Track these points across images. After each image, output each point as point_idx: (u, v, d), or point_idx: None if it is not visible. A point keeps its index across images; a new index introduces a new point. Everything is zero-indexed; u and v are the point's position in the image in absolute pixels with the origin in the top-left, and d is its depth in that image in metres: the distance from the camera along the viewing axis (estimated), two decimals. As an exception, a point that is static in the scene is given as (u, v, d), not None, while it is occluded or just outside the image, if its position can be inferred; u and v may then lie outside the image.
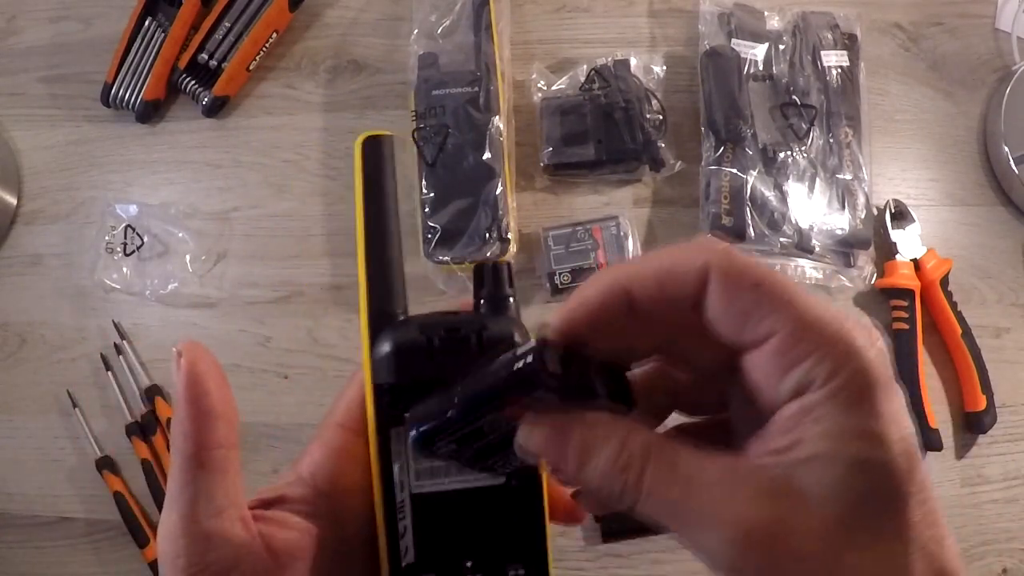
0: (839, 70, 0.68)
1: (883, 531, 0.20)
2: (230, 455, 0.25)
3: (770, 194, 0.65)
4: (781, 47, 0.70)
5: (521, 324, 0.27)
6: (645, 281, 0.22)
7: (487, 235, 0.63)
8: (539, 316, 0.67)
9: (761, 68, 0.69)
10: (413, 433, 0.25)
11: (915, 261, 0.66)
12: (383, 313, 0.27)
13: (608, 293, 0.22)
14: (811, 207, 0.66)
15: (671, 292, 0.22)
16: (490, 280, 0.28)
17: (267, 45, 0.73)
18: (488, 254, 0.64)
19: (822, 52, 0.69)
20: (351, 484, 0.27)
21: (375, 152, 0.27)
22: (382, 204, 0.27)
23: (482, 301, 0.28)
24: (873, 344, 0.21)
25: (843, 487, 0.20)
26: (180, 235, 0.71)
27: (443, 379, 0.25)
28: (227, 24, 0.73)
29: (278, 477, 0.28)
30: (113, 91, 0.73)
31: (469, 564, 0.26)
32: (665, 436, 0.22)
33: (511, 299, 0.28)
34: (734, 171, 0.64)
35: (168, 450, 0.65)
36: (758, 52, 0.69)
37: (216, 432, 0.24)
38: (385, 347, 0.26)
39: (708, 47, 0.69)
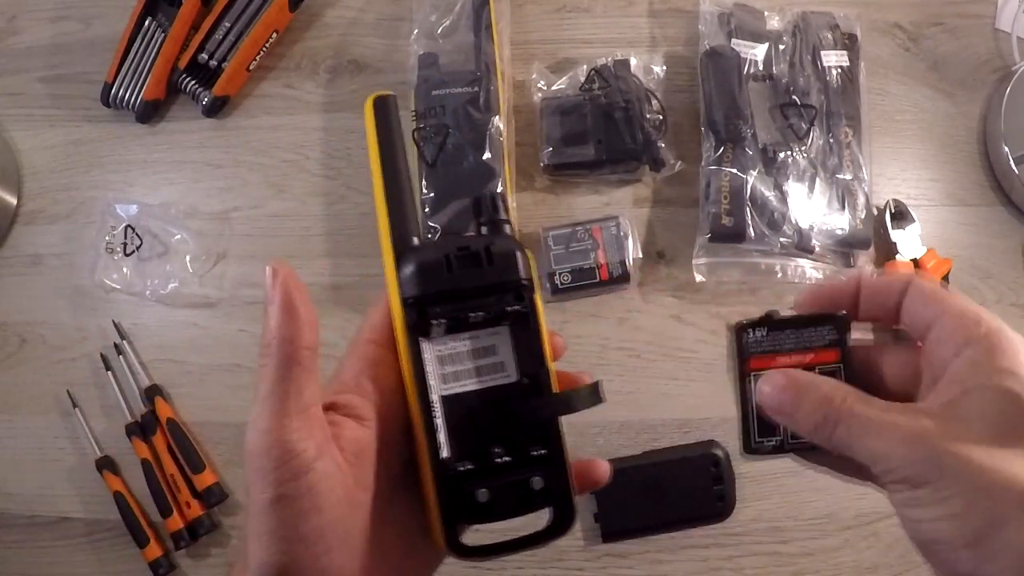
0: (839, 70, 0.68)
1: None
2: (315, 358, 0.28)
3: (770, 194, 0.65)
4: (781, 47, 0.70)
5: (519, 243, 0.32)
6: (871, 288, 0.32)
7: (487, 235, 0.63)
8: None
9: (761, 68, 0.69)
10: None
11: (915, 261, 0.66)
12: (403, 240, 0.31)
13: (842, 292, 0.33)
14: (811, 207, 0.66)
15: (883, 300, 0.32)
16: (488, 208, 0.33)
17: (267, 45, 0.73)
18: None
19: (822, 52, 0.69)
20: (387, 389, 0.31)
21: (383, 110, 0.32)
22: (393, 152, 0.31)
23: (482, 227, 0.33)
24: (997, 319, 0.29)
25: (992, 410, 0.26)
26: (180, 235, 0.71)
27: (460, 288, 0.30)
28: (227, 24, 0.73)
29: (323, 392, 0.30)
30: (113, 91, 0.73)
31: (497, 450, 0.30)
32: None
33: (507, 223, 0.33)
34: (734, 171, 0.64)
35: (168, 450, 0.66)
36: (758, 52, 0.69)
37: (307, 335, 0.28)
38: (409, 266, 0.30)
39: (708, 47, 0.69)
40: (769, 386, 0.30)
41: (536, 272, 0.32)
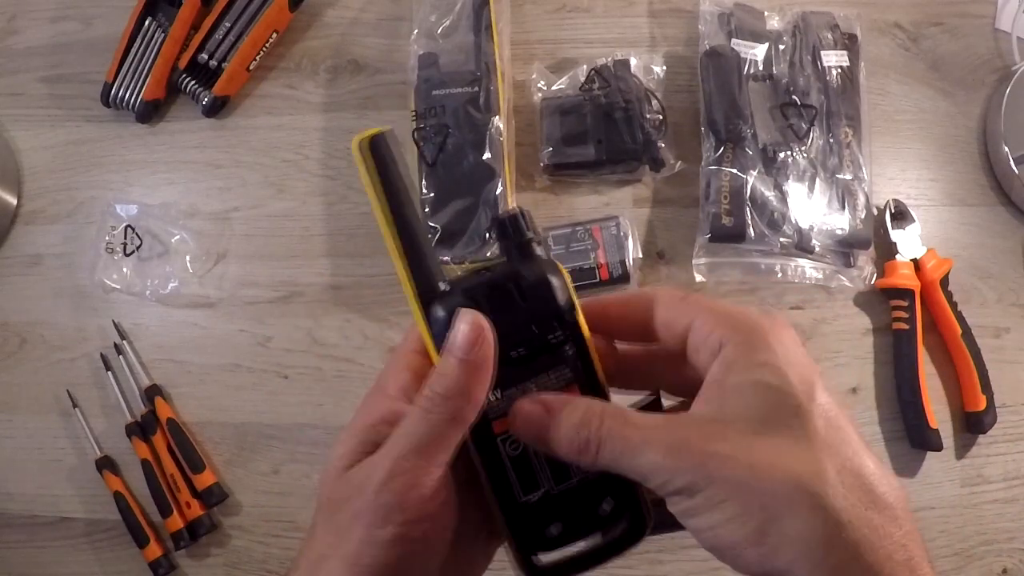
0: (839, 70, 0.68)
1: (789, 431, 0.26)
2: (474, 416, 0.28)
3: (770, 194, 0.65)
4: (781, 47, 0.70)
5: (551, 261, 0.30)
6: (615, 305, 0.31)
7: (487, 235, 0.63)
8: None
9: (761, 68, 0.69)
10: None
11: (915, 261, 0.66)
12: (429, 288, 0.29)
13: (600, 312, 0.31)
14: (811, 207, 0.66)
15: (635, 316, 0.31)
16: (512, 230, 0.30)
17: (267, 45, 0.73)
18: (488, 254, 0.64)
19: (822, 52, 0.68)
20: None
21: (378, 150, 0.29)
22: (397, 195, 0.29)
23: (511, 248, 0.31)
24: (763, 312, 0.28)
25: (752, 404, 0.26)
26: (180, 235, 0.71)
27: (498, 330, 0.28)
28: (227, 24, 0.73)
29: (362, 399, 0.31)
30: (113, 91, 0.73)
31: (563, 476, 0.30)
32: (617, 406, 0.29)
33: (535, 242, 0.31)
34: (734, 171, 0.64)
35: (168, 450, 0.66)
36: (758, 52, 0.69)
37: (479, 398, 0.28)
38: (441, 319, 0.29)
39: (708, 47, 0.69)
40: (521, 417, 0.29)
41: (574, 291, 0.30)
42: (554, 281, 0.30)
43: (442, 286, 0.29)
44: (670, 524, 0.29)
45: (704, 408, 0.27)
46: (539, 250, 0.31)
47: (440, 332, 0.29)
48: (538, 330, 0.29)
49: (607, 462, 0.27)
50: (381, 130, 0.29)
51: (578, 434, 0.28)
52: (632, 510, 0.30)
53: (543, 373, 0.30)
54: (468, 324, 0.27)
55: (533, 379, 0.30)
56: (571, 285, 0.30)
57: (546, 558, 0.30)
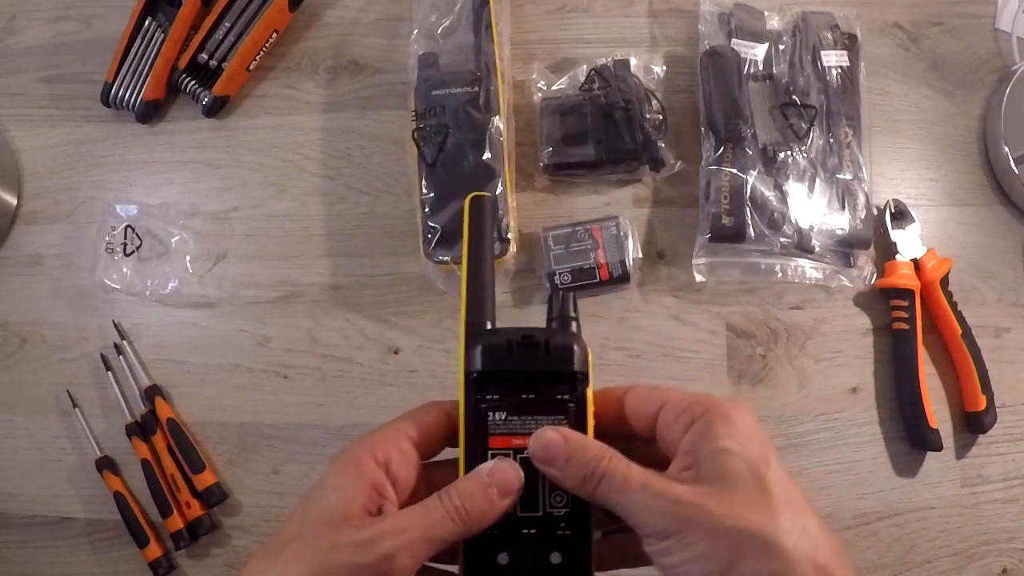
0: (839, 70, 0.68)
1: (750, 490, 0.31)
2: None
3: (770, 194, 0.65)
4: (781, 47, 0.70)
5: (579, 337, 0.36)
6: (606, 400, 0.37)
7: (487, 235, 0.63)
8: (540, 316, 0.67)
9: (761, 68, 0.69)
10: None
11: (915, 261, 0.66)
12: (477, 324, 0.36)
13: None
14: (811, 207, 0.66)
15: (609, 408, 0.37)
16: (558, 304, 0.38)
17: (267, 45, 0.73)
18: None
19: (822, 52, 0.68)
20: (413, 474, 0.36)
21: (478, 208, 0.38)
22: (481, 247, 0.37)
23: (553, 319, 0.37)
24: (711, 398, 0.34)
25: (720, 468, 0.32)
26: (180, 235, 0.71)
27: (515, 370, 0.35)
28: (227, 24, 0.73)
29: (366, 439, 0.35)
30: (113, 91, 0.73)
31: (527, 523, 0.34)
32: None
33: (575, 320, 0.37)
34: (734, 171, 0.64)
35: (168, 450, 0.66)
36: (758, 52, 0.69)
37: (486, 525, 0.33)
38: (477, 347, 0.35)
39: (708, 47, 0.69)
40: (541, 443, 0.34)
41: (592, 366, 0.35)
42: (576, 350, 0.35)
43: (488, 325, 0.36)
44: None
45: (681, 468, 0.33)
46: (575, 327, 0.37)
47: (471, 358, 0.35)
48: (550, 385, 0.35)
49: (602, 495, 0.33)
50: (486, 195, 0.38)
51: (587, 465, 0.33)
52: (579, 570, 0.34)
53: (543, 415, 0.35)
54: (507, 468, 0.34)
55: (534, 417, 0.35)
56: (591, 362, 0.36)
57: None
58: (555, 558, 0.34)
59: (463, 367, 0.35)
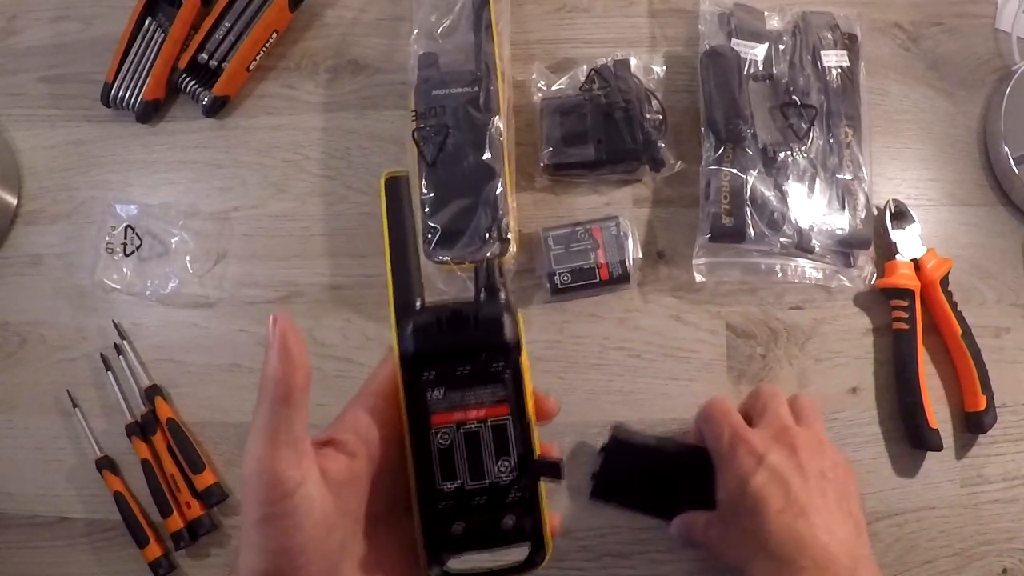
0: (839, 70, 0.68)
1: (749, 517, 0.48)
2: (305, 399, 0.32)
3: (770, 194, 0.65)
4: (781, 47, 0.70)
5: (508, 306, 0.36)
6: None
7: (487, 235, 0.63)
8: (540, 316, 0.67)
9: (761, 68, 0.69)
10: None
11: (915, 261, 0.66)
12: (406, 304, 0.36)
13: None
14: (811, 207, 0.66)
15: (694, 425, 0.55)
16: (483, 275, 0.37)
17: (267, 45, 0.73)
18: (488, 254, 0.64)
19: (822, 52, 0.68)
20: (384, 433, 0.36)
21: (395, 188, 0.37)
22: (402, 226, 0.37)
23: (481, 292, 0.37)
24: (727, 436, 0.52)
25: (728, 502, 0.51)
26: (180, 235, 0.71)
27: (447, 347, 0.35)
28: (227, 24, 0.73)
29: (323, 430, 0.36)
30: (113, 91, 0.73)
31: (478, 492, 0.36)
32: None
33: (500, 289, 0.37)
34: (734, 171, 0.64)
35: (168, 450, 0.66)
36: (758, 52, 0.69)
37: (299, 379, 0.32)
38: (408, 328, 0.36)
39: (708, 47, 0.69)
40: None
41: (524, 334, 0.36)
42: (506, 320, 0.36)
43: (418, 304, 0.36)
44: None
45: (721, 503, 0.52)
46: (503, 296, 0.37)
47: (404, 339, 0.35)
48: (484, 357, 0.35)
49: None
50: (400, 173, 0.38)
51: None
52: (533, 536, 0.36)
53: (481, 387, 0.35)
54: (272, 317, 0.32)
55: (472, 390, 0.35)
56: (522, 329, 0.36)
57: (451, 567, 0.35)
58: (508, 521, 0.35)
59: (397, 349, 0.36)
